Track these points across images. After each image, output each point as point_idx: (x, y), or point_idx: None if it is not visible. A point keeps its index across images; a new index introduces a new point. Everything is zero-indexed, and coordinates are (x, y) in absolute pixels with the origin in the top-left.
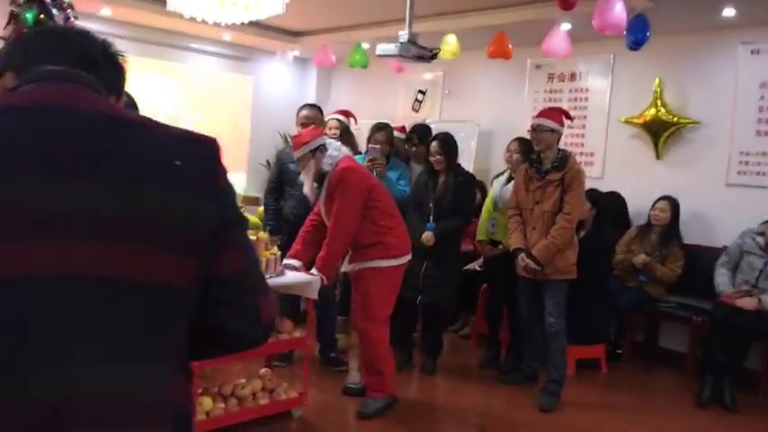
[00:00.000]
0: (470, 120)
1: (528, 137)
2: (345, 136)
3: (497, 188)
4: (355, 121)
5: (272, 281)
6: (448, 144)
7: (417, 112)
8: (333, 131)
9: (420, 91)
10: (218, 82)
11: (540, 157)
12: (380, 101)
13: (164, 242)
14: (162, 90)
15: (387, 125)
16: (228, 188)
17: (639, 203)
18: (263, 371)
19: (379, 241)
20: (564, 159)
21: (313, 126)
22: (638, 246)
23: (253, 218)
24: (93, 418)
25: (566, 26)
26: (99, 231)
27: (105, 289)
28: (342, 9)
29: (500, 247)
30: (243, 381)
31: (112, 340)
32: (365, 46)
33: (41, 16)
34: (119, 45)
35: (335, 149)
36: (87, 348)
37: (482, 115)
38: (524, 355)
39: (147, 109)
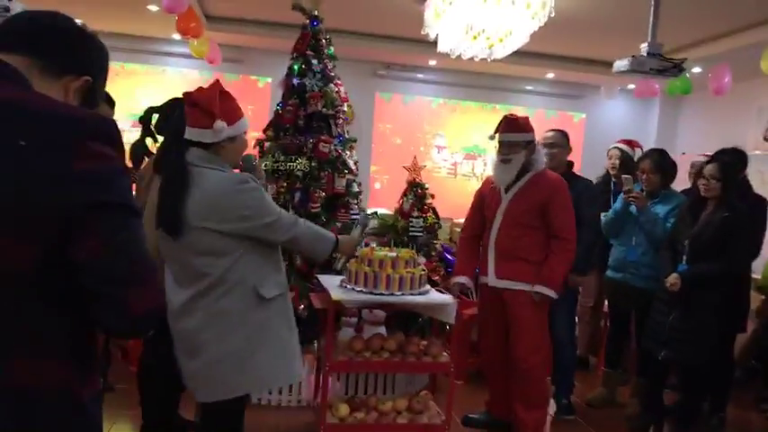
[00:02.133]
0: None
1: None
2: (626, 166)
3: None
4: (641, 150)
5: (409, 299)
6: (730, 169)
7: None
8: (612, 161)
9: None
10: (543, 122)
11: None
12: (730, 131)
13: None
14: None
15: (655, 151)
16: (89, 172)
17: None
18: (423, 392)
19: (543, 263)
20: None
21: (527, 118)
22: None
23: None
24: None
25: None
26: None
27: None
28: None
29: None
30: (388, 397)
31: None
32: (696, 70)
33: (303, 66)
34: (448, 92)
35: (542, 154)
36: None
37: None
38: None
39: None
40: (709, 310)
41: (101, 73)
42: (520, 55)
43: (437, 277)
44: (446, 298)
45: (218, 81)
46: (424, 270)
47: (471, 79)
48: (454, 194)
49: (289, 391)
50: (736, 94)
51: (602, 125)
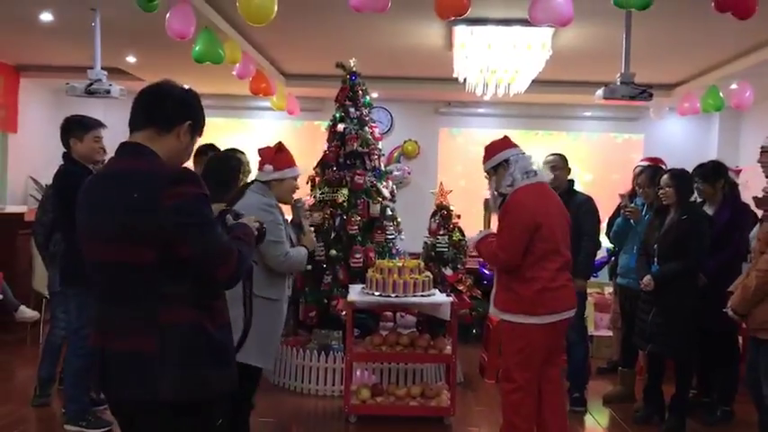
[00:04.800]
0: None
1: None
2: None
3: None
4: (665, 166)
5: (410, 300)
6: (679, 178)
7: None
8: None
9: None
10: (605, 144)
11: None
12: None
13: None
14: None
15: (649, 167)
16: (173, 205)
17: None
18: (440, 383)
19: (513, 290)
20: None
21: (505, 137)
22: None
23: None
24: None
25: None
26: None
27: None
28: (695, 54)
29: None
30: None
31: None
32: (733, 87)
33: (343, 114)
34: (506, 122)
35: (520, 170)
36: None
37: None
38: None
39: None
40: (685, 304)
41: (197, 114)
42: (567, 84)
43: (462, 287)
44: (441, 299)
45: (280, 142)
46: (428, 276)
47: (537, 110)
48: None
49: (332, 383)
50: None
51: (661, 144)
